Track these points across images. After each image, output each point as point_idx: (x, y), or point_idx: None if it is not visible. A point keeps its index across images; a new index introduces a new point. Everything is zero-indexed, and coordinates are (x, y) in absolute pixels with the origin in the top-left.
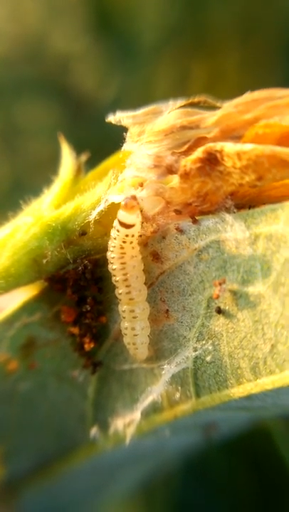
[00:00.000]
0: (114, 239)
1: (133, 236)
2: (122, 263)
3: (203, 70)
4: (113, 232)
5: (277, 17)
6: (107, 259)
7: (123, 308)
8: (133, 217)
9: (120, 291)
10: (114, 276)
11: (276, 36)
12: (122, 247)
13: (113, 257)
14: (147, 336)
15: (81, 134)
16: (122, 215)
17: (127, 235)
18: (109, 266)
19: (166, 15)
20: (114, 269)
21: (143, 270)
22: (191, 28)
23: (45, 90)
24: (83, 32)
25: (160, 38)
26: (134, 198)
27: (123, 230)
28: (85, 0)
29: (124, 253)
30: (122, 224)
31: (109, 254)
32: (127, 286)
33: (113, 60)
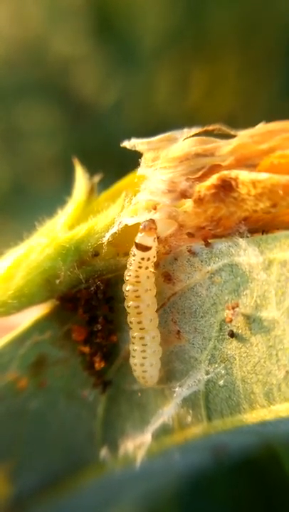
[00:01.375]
0: (130, 265)
1: (149, 260)
2: (136, 296)
3: (204, 73)
4: (129, 261)
5: (278, 22)
6: (123, 293)
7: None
8: (150, 240)
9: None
10: (127, 307)
11: (276, 41)
12: (137, 275)
13: (128, 290)
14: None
15: (81, 137)
16: (140, 236)
17: (142, 258)
18: (125, 302)
19: (167, 19)
20: (129, 307)
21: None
22: (191, 32)
23: (46, 93)
24: (85, 36)
25: (161, 42)
26: (152, 221)
27: (139, 254)
28: (86, 4)
29: (139, 282)
30: (140, 246)
31: (124, 287)
32: (139, 323)
33: (114, 63)
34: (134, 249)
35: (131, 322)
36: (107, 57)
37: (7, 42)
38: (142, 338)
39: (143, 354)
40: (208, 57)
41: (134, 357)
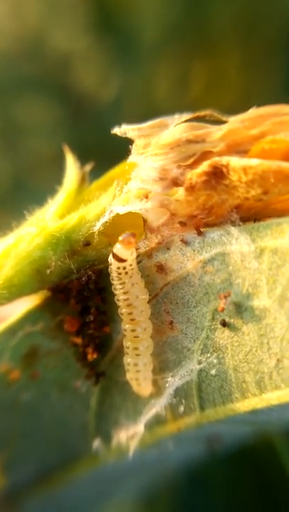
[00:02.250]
0: (110, 271)
1: (125, 269)
2: (124, 292)
3: (204, 68)
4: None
5: (279, 16)
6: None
7: (127, 344)
8: (127, 253)
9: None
10: (117, 301)
11: (277, 35)
12: (118, 278)
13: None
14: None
15: (82, 133)
16: (117, 248)
17: (118, 268)
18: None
19: (167, 13)
20: (118, 300)
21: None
22: (191, 26)
23: (46, 89)
24: (84, 30)
25: (161, 36)
26: (133, 235)
27: (115, 263)
28: None
29: (124, 282)
30: (116, 257)
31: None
32: (131, 316)
33: (114, 58)
34: (110, 257)
35: (125, 329)
36: (107, 52)
37: (6, 37)
38: (135, 335)
39: (136, 351)
40: (208, 53)
41: (127, 354)
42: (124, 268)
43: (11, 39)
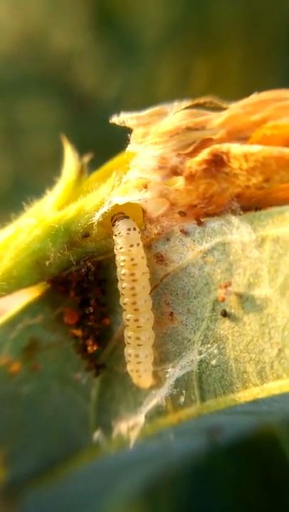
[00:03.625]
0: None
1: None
2: (133, 280)
3: (206, 66)
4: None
5: (280, 14)
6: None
7: (128, 334)
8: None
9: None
10: (122, 289)
11: (279, 33)
12: (130, 263)
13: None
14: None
15: (83, 131)
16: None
17: (130, 249)
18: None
19: (168, 11)
20: (123, 288)
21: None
22: (193, 24)
23: (47, 88)
24: (85, 29)
25: (162, 34)
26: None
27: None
28: None
29: (135, 264)
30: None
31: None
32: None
33: (115, 57)
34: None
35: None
36: (108, 50)
37: (7, 36)
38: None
39: (138, 341)
40: (210, 50)
41: (128, 344)
42: (133, 246)
43: (12, 38)
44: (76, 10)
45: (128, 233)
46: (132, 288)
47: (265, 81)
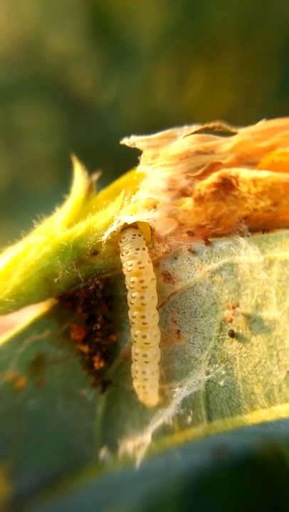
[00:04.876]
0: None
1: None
2: (143, 288)
3: (202, 71)
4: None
5: (276, 20)
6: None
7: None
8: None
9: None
10: (130, 302)
11: (275, 39)
12: (138, 269)
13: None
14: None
15: (80, 135)
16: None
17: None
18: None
19: (165, 17)
20: (133, 297)
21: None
22: (189, 29)
23: (44, 91)
24: (82, 33)
25: (159, 39)
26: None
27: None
28: (83, 1)
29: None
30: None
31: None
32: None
33: (111, 61)
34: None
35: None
36: (105, 54)
37: (4, 40)
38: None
39: (145, 358)
40: (206, 55)
41: (136, 360)
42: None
43: (9, 42)
44: (73, 14)
45: (133, 238)
46: (142, 298)
47: (260, 87)
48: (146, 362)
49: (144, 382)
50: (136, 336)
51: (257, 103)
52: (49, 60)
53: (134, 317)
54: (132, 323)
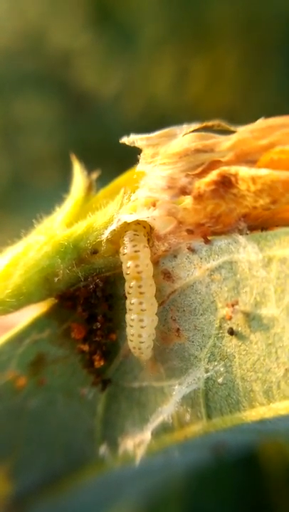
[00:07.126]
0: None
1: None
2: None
3: (204, 64)
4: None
5: (277, 14)
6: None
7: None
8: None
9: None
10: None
11: (276, 33)
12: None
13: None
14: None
15: (81, 129)
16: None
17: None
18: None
19: (167, 10)
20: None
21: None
22: (191, 22)
23: (46, 85)
24: (84, 27)
25: (160, 32)
26: None
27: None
28: None
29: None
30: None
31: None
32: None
33: (113, 54)
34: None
35: (130, 287)
36: (107, 48)
37: (5, 34)
38: (140, 303)
39: (141, 323)
40: (207, 49)
41: (131, 326)
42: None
43: (10, 36)
44: (75, 8)
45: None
46: (136, 266)
47: (260, 80)
48: (142, 327)
49: (140, 343)
50: (132, 303)
51: (259, 97)
52: (50, 54)
53: (130, 287)
54: (128, 293)
